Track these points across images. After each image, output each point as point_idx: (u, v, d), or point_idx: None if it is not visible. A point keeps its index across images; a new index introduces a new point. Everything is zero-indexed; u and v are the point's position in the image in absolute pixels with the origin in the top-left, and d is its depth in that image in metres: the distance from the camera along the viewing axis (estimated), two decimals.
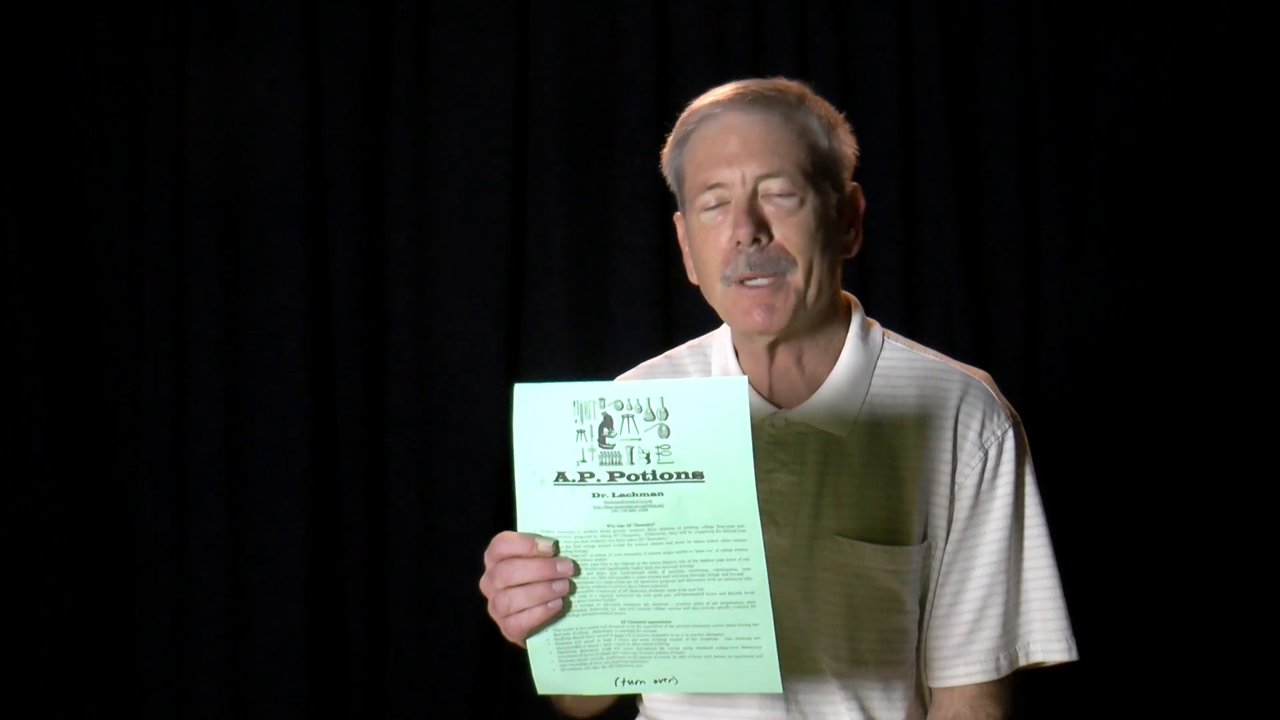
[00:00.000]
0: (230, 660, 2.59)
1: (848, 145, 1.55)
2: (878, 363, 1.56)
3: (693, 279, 1.58)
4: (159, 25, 2.61)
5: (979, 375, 1.57)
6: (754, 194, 1.47)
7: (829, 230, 1.50)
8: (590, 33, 2.56)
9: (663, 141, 1.58)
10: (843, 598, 1.50)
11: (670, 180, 1.58)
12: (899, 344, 1.59)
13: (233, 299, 2.61)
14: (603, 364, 2.52)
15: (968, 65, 2.51)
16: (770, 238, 1.47)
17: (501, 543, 1.31)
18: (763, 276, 1.47)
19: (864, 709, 1.52)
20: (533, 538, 1.29)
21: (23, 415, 2.62)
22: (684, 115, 1.55)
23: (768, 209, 1.48)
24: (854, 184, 1.56)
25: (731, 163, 1.48)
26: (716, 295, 1.52)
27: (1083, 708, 2.40)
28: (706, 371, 1.62)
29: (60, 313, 2.64)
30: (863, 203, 1.57)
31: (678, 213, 1.59)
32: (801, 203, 1.47)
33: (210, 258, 2.60)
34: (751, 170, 1.47)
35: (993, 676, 1.53)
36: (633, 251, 2.55)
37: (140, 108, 2.63)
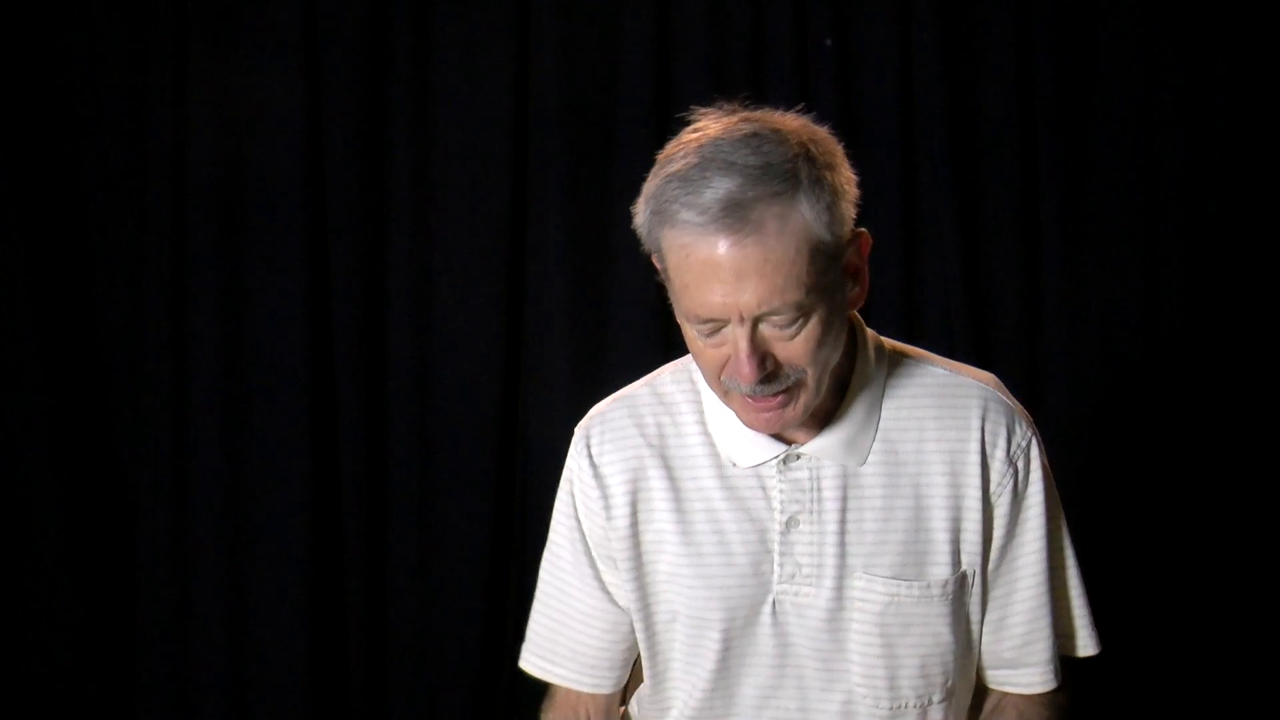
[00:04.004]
0: (230, 660, 2.59)
1: (847, 200, 1.37)
2: (887, 384, 1.49)
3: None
4: (159, 25, 2.60)
5: (989, 382, 1.52)
6: (754, 329, 1.34)
7: (836, 318, 1.38)
8: (590, 34, 2.56)
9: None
10: (878, 636, 1.46)
11: (643, 242, 1.42)
12: (903, 357, 1.52)
13: (233, 299, 2.61)
14: (602, 363, 2.52)
15: (968, 66, 2.50)
16: (775, 361, 1.36)
17: None
18: (771, 395, 1.37)
19: None
20: None
21: (23, 415, 2.62)
22: (662, 176, 1.37)
23: (768, 332, 1.35)
24: (860, 231, 1.41)
25: (726, 296, 1.32)
26: (716, 388, 1.42)
27: (1088, 703, 2.40)
28: (696, 402, 1.51)
29: (60, 312, 2.63)
30: (869, 244, 1.42)
31: (655, 255, 1.42)
32: (806, 320, 1.35)
33: (210, 258, 2.60)
34: (749, 308, 1.32)
35: (1053, 685, 1.53)
36: (633, 251, 2.53)
37: (140, 108, 2.62)
